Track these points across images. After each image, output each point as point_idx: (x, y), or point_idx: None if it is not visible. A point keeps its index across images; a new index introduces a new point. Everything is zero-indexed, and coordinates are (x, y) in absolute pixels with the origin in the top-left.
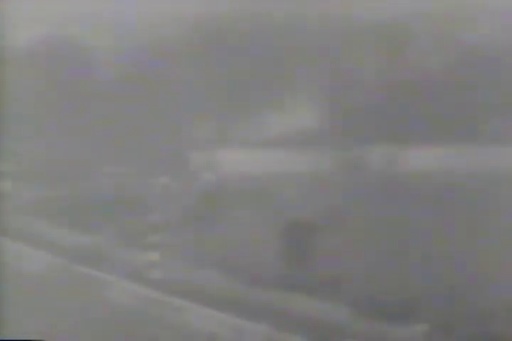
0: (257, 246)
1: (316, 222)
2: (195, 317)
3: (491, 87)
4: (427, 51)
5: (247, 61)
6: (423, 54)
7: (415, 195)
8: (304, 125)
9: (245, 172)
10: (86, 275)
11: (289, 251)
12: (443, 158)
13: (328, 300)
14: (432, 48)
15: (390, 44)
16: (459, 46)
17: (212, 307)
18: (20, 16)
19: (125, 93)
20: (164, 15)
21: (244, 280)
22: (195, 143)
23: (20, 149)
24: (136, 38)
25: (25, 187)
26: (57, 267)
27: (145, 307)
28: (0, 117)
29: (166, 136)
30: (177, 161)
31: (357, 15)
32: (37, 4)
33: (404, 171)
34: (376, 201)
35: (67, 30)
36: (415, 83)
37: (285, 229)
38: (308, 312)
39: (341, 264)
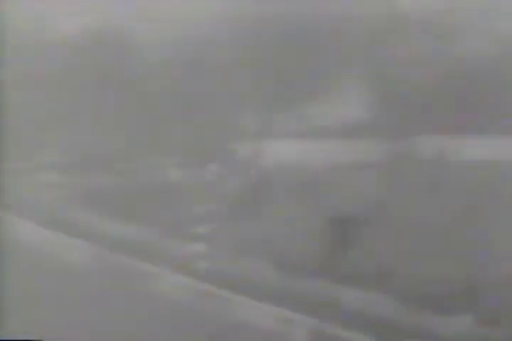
0: (304, 237)
1: (364, 213)
2: (241, 309)
3: None
4: (475, 40)
5: (292, 50)
6: (471, 43)
7: (467, 186)
8: (351, 115)
9: (291, 163)
10: (131, 266)
11: (336, 242)
12: (496, 148)
13: (375, 291)
14: (480, 38)
15: (439, 33)
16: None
17: (259, 299)
18: (66, 5)
19: (170, 83)
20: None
21: (292, 271)
22: (240, 133)
23: (65, 139)
24: (182, 29)
25: (69, 177)
26: (102, 258)
27: (190, 298)
28: (43, 107)
29: (212, 126)
30: (222, 151)
31: (403, 4)
32: None
33: (456, 161)
34: (426, 192)
35: (114, 19)
36: (465, 72)
37: (332, 219)
38: (355, 304)
39: (389, 256)
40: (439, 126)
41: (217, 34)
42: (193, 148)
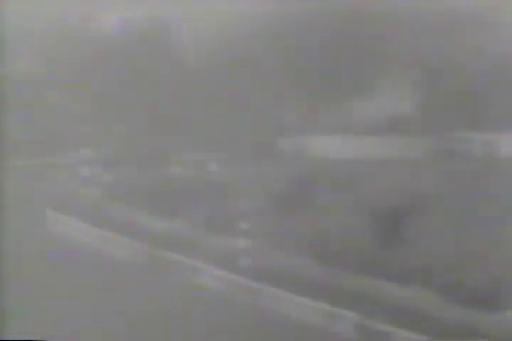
0: (348, 233)
1: (407, 209)
2: (286, 305)
3: None
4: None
5: (337, 48)
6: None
7: (507, 182)
8: (394, 111)
9: (336, 159)
10: (176, 261)
11: (379, 238)
12: None
13: (419, 287)
14: None
15: (479, 31)
16: None
17: (303, 295)
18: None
19: (213, 80)
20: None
21: (335, 267)
22: (285, 130)
23: (102, 135)
24: (226, 27)
25: (108, 172)
26: (145, 254)
27: (236, 294)
28: (82, 104)
29: (256, 122)
30: (267, 148)
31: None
32: None
33: (499, 157)
34: (468, 188)
35: (159, 14)
36: (508, 68)
37: (375, 215)
38: (398, 300)
39: (432, 251)
40: (487, 123)
41: (262, 32)
42: (239, 144)
